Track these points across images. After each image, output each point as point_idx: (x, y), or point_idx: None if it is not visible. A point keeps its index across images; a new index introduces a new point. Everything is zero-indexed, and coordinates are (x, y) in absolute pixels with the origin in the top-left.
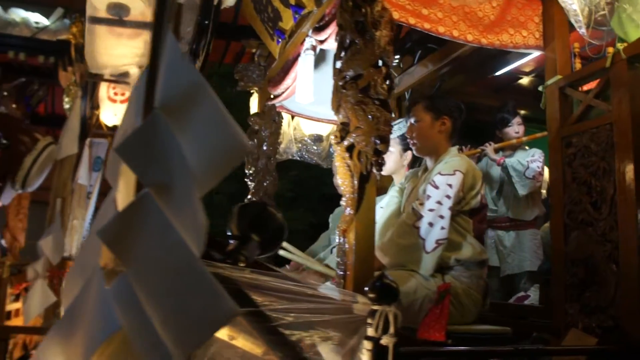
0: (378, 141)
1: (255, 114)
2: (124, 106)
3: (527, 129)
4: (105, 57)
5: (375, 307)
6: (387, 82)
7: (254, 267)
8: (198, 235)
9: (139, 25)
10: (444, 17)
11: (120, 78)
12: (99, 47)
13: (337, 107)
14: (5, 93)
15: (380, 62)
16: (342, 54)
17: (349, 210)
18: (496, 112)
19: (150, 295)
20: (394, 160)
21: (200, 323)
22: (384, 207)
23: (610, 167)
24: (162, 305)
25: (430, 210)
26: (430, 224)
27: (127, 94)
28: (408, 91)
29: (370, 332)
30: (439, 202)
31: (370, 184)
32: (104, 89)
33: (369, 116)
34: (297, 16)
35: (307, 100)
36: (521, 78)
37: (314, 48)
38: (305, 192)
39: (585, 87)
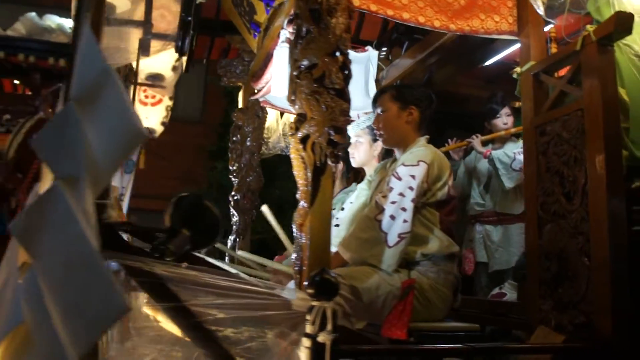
0: (332, 132)
1: (239, 110)
2: (156, 109)
3: (519, 120)
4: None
5: (313, 303)
6: (345, 72)
7: (191, 261)
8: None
9: (124, 22)
10: (409, 2)
11: (155, 82)
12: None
13: (291, 98)
14: (43, 98)
15: (336, 51)
16: (298, 43)
17: (303, 204)
18: (485, 103)
19: (52, 289)
20: (364, 151)
21: (92, 321)
22: (354, 201)
23: (581, 156)
24: (61, 300)
25: (393, 202)
26: (392, 217)
27: (158, 96)
28: (397, 83)
29: (308, 328)
30: (402, 194)
31: (326, 176)
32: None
33: (323, 106)
34: (268, 9)
35: (282, 93)
36: (514, 68)
37: (288, 41)
38: None
39: (562, 73)
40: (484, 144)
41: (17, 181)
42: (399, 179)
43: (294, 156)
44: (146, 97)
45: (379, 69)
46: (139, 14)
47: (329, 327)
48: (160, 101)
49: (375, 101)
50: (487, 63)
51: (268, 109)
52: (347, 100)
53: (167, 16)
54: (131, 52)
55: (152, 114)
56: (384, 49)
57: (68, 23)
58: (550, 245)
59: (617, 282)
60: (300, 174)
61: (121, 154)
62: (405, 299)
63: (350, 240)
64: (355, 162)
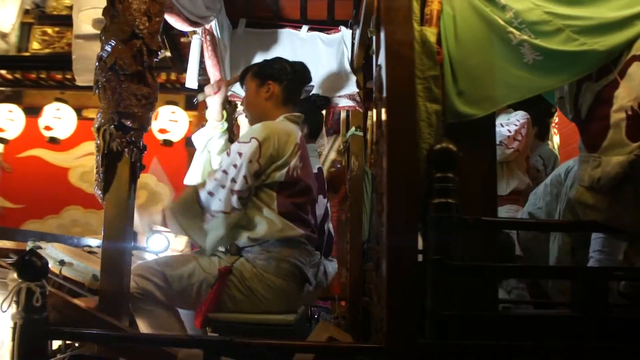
0: (122, 117)
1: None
2: None
3: None
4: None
5: (20, 283)
6: (146, 52)
7: None
8: None
9: None
10: None
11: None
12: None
13: (95, 90)
14: None
15: (132, 36)
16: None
17: (96, 191)
18: None
19: None
20: None
21: None
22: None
23: None
24: None
25: (215, 179)
26: (210, 194)
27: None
28: None
29: (13, 308)
30: (225, 171)
31: (123, 162)
32: None
33: (109, 93)
34: None
35: (193, 85)
36: None
37: (204, 32)
38: None
39: None
40: None
41: None
42: (228, 155)
43: (94, 147)
44: None
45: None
46: None
47: (20, 307)
48: None
49: (241, 82)
50: None
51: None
52: (146, 83)
53: None
54: None
55: None
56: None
57: None
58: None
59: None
60: (95, 162)
61: None
62: (215, 288)
63: (174, 209)
64: None
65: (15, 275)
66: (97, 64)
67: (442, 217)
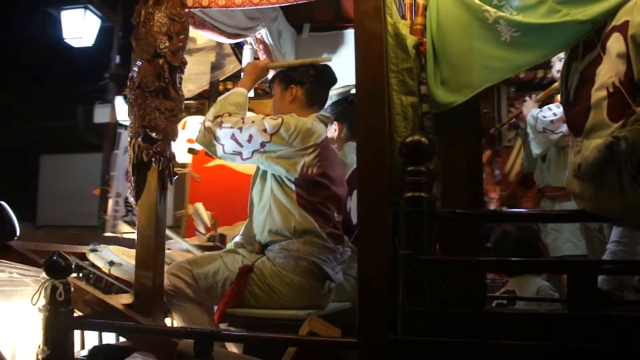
0: (147, 130)
1: None
2: None
3: None
4: None
5: (46, 279)
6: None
7: None
8: None
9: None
10: None
11: None
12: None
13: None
14: None
15: (155, 55)
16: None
17: (130, 197)
18: None
19: None
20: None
21: None
22: None
23: None
24: None
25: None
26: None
27: None
28: None
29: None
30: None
31: (151, 171)
32: None
33: (135, 108)
34: None
35: None
36: None
37: (255, 41)
38: None
39: None
40: (540, 105)
41: None
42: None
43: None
44: None
45: None
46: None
47: (45, 301)
48: None
49: (270, 88)
50: None
51: None
52: (169, 98)
53: None
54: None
55: None
56: None
57: None
58: None
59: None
60: (127, 171)
61: None
62: (235, 284)
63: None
64: None
65: (43, 273)
66: (128, 83)
67: (412, 212)
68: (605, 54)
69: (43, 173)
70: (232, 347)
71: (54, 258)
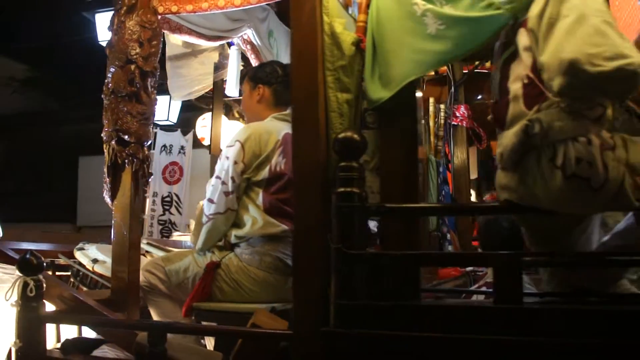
0: (120, 133)
1: None
2: None
3: None
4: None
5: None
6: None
7: None
8: None
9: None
10: None
11: None
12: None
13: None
14: None
15: (127, 62)
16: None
17: (106, 197)
18: None
19: None
20: None
21: None
22: None
23: None
24: None
25: (212, 185)
26: (210, 200)
27: None
28: None
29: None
30: (218, 177)
31: (126, 172)
32: None
33: (109, 112)
34: None
35: (233, 93)
36: None
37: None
38: None
39: None
40: None
41: None
42: (219, 159)
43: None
44: None
45: None
46: None
47: (17, 297)
48: None
49: (240, 85)
50: None
51: None
52: (140, 102)
53: None
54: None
55: None
56: None
57: None
58: None
59: (299, 269)
60: (103, 173)
61: None
62: (202, 280)
63: (194, 231)
64: None
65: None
66: (103, 89)
67: (343, 206)
68: (518, 49)
69: (82, 174)
70: (210, 341)
71: (27, 257)
